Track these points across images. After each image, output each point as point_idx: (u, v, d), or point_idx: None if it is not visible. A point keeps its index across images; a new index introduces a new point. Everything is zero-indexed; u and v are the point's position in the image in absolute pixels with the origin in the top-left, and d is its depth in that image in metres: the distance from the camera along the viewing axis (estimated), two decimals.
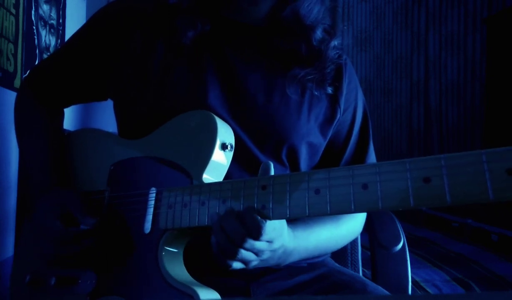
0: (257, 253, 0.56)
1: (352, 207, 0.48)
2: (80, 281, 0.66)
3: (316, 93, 0.75)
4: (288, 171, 0.76)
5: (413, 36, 4.55)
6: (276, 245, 0.57)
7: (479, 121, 4.24)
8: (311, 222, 0.71)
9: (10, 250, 1.35)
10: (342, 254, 0.98)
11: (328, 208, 0.49)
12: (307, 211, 0.50)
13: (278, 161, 0.74)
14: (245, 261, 0.57)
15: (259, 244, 0.55)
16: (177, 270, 0.62)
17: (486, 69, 4.02)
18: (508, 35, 3.56)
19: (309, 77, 0.73)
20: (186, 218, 0.59)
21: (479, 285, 1.93)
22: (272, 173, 0.56)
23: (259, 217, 0.53)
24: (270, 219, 0.53)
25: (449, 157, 0.43)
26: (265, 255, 0.57)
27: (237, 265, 0.57)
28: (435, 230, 3.25)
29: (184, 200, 0.60)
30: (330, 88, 0.76)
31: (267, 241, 0.55)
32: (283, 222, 0.59)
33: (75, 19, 1.97)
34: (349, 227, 0.79)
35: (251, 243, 0.54)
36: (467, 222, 3.12)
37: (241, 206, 0.55)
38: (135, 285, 0.62)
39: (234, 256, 0.55)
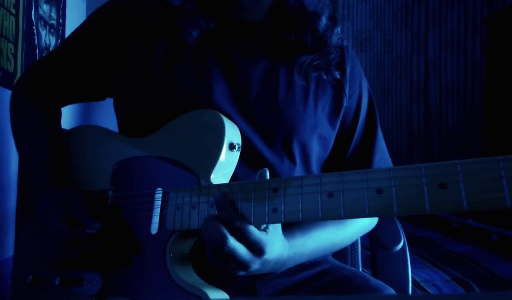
0: (241, 261, 0.54)
1: (367, 211, 0.47)
2: (85, 282, 0.65)
3: (324, 77, 0.75)
4: (298, 168, 0.75)
5: (413, 36, 4.55)
6: (267, 256, 0.55)
7: (479, 121, 4.24)
8: (309, 226, 0.69)
9: (10, 250, 1.34)
10: (342, 253, 0.97)
11: (342, 213, 0.48)
12: (320, 215, 0.49)
13: (288, 157, 0.73)
14: (228, 268, 0.56)
15: (242, 252, 0.53)
16: (185, 271, 0.61)
17: (486, 69, 4.01)
18: (508, 35, 3.56)
19: (315, 63, 0.73)
20: (195, 220, 0.58)
21: (479, 285, 1.92)
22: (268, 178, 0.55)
23: (240, 222, 0.52)
24: (281, 222, 0.52)
25: (465, 163, 0.43)
26: (254, 267, 0.56)
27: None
28: (435, 230, 3.24)
29: (192, 202, 0.59)
30: (337, 72, 0.76)
31: (253, 254, 0.54)
32: (278, 233, 0.57)
33: (75, 19, 1.97)
34: (356, 228, 0.78)
35: (233, 249, 0.53)
36: (467, 222, 3.12)
37: (252, 208, 0.54)
38: (142, 287, 0.61)
39: (220, 262, 0.55)
